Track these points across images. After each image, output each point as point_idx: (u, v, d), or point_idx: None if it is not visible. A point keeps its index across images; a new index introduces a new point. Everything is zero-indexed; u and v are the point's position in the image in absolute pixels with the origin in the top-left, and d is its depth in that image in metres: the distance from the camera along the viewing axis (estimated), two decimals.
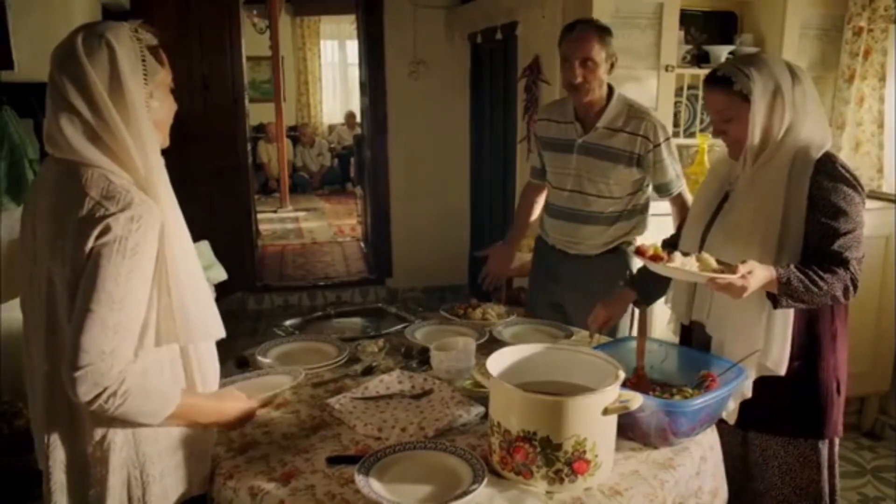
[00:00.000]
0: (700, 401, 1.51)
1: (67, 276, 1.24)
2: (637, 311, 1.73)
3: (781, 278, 1.66)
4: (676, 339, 2.07)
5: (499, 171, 4.57)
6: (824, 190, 1.72)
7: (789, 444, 1.88)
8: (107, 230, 1.21)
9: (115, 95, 1.25)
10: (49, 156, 1.33)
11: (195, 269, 1.37)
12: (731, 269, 1.62)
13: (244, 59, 5.15)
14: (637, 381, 1.68)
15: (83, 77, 1.24)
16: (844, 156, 3.33)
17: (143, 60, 1.28)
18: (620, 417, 1.45)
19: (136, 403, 1.22)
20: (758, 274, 1.63)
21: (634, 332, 1.79)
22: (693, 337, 1.99)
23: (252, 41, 7.17)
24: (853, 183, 1.73)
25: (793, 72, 1.77)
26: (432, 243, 5.30)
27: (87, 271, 1.21)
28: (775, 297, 1.70)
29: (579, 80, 2.33)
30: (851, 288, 1.70)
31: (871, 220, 3.06)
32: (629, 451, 1.51)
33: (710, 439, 1.62)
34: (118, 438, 1.31)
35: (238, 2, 5.07)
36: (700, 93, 3.34)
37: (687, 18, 3.41)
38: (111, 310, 1.19)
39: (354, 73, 6.76)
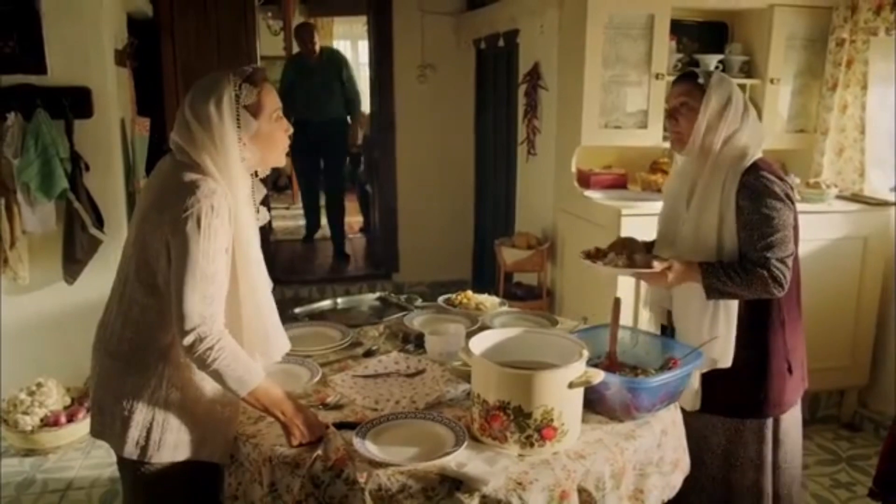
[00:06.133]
0: (659, 379, 1.71)
1: (163, 245, 1.51)
2: (612, 302, 1.92)
3: (703, 272, 1.91)
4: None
5: (501, 171, 4.74)
6: (747, 204, 1.94)
7: (741, 423, 2.07)
8: (192, 215, 1.47)
9: (210, 139, 1.54)
10: (169, 152, 1.64)
11: (258, 255, 1.67)
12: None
13: (259, 60, 5.35)
14: (609, 363, 1.86)
15: (189, 120, 1.55)
16: (828, 160, 3.48)
17: (238, 118, 1.54)
18: (589, 393, 1.64)
19: (227, 363, 1.50)
20: (677, 266, 1.91)
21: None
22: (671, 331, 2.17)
23: (267, 42, 7.40)
24: (773, 192, 1.93)
25: (745, 100, 2.02)
26: (438, 240, 5.48)
27: (178, 250, 1.48)
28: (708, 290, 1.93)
29: None
30: (773, 284, 1.90)
31: (851, 221, 3.28)
32: (596, 423, 1.70)
33: (671, 415, 1.81)
34: (153, 382, 1.57)
35: (254, 5, 5.26)
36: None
37: (680, 28, 3.56)
38: (204, 283, 1.48)
39: (366, 73, 6.92)
